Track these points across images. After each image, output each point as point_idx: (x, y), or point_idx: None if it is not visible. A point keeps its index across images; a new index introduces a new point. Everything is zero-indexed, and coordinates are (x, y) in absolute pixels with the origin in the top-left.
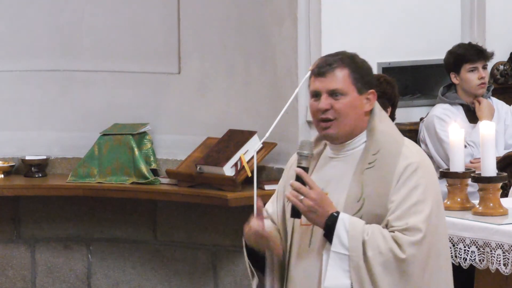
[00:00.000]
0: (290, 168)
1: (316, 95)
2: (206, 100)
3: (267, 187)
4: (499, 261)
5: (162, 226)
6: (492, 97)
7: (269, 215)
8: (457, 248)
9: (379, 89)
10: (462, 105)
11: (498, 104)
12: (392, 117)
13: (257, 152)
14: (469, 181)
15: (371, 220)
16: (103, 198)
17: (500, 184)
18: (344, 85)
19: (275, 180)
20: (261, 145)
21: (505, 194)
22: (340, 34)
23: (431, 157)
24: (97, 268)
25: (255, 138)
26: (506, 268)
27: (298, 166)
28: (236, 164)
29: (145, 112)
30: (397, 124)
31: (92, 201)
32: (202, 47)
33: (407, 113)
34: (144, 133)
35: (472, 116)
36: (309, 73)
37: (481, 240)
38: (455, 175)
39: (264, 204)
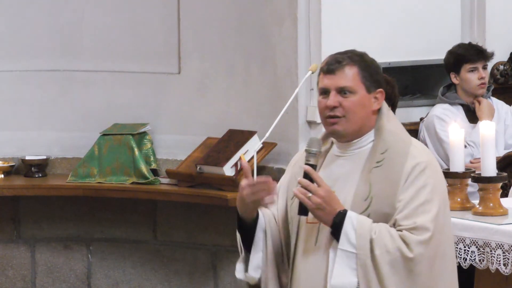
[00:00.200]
0: (294, 166)
1: (324, 92)
2: (206, 100)
3: None
4: (499, 261)
5: (162, 226)
6: (492, 97)
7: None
8: (457, 248)
9: None
10: (462, 105)
11: (498, 104)
12: None
13: (257, 152)
14: (469, 181)
15: (378, 219)
16: (103, 198)
17: (500, 184)
18: (353, 83)
19: (275, 180)
20: (261, 145)
21: (505, 194)
22: (340, 34)
23: None
24: (97, 268)
25: (255, 138)
26: (506, 268)
27: (306, 164)
28: (236, 164)
29: (145, 112)
30: None
31: (92, 201)
32: (202, 47)
33: (407, 113)
34: (144, 133)
35: (472, 116)
36: (309, 73)
37: (481, 240)
38: (455, 175)
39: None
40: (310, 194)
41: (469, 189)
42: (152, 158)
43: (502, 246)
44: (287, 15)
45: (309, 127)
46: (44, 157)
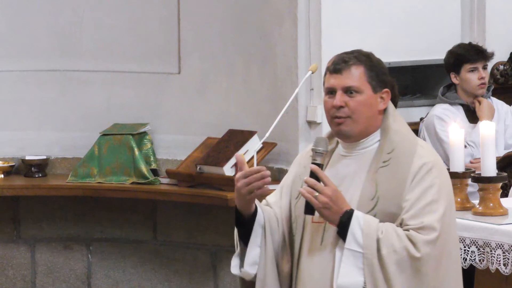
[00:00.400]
0: (299, 165)
1: (330, 92)
2: (206, 100)
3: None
4: (499, 261)
5: (162, 226)
6: (492, 97)
7: (269, 204)
8: None
9: None
10: (462, 105)
11: (498, 104)
12: None
13: (257, 152)
14: (469, 181)
15: (384, 218)
16: (103, 198)
17: (500, 184)
18: (360, 83)
19: (275, 180)
20: (261, 145)
21: (505, 194)
22: (340, 34)
23: None
24: (97, 268)
25: (255, 138)
26: (506, 268)
27: (312, 163)
28: (236, 164)
29: (145, 112)
30: None
31: (92, 201)
32: (202, 47)
33: (407, 113)
34: (144, 133)
35: (472, 116)
36: (309, 73)
37: (481, 240)
38: (455, 175)
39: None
40: (316, 193)
41: (469, 189)
42: (152, 158)
43: (502, 246)
44: (287, 15)
45: (309, 127)
46: (44, 157)
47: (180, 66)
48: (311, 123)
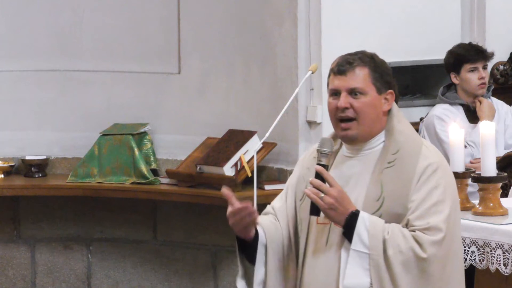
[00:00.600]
0: (302, 167)
1: (335, 93)
2: (206, 100)
3: (267, 187)
4: (499, 261)
5: (162, 226)
6: (492, 97)
7: (275, 211)
8: None
9: None
10: (462, 105)
11: (498, 104)
12: None
13: (257, 152)
14: (469, 181)
15: (390, 219)
16: (103, 198)
17: (500, 184)
18: (364, 84)
19: (275, 180)
20: (261, 145)
21: (505, 194)
22: (340, 34)
23: None
24: (97, 268)
25: (255, 138)
26: (506, 268)
27: (317, 164)
28: (236, 164)
29: (145, 112)
30: None
31: (92, 201)
32: (202, 47)
33: (407, 113)
34: (144, 133)
35: (472, 116)
36: (309, 73)
37: (481, 240)
38: (455, 175)
39: (263, 206)
40: (322, 195)
41: (469, 189)
42: (152, 158)
43: (502, 246)
44: (287, 15)
45: (309, 127)
46: (44, 157)
47: (180, 66)
48: (311, 123)
